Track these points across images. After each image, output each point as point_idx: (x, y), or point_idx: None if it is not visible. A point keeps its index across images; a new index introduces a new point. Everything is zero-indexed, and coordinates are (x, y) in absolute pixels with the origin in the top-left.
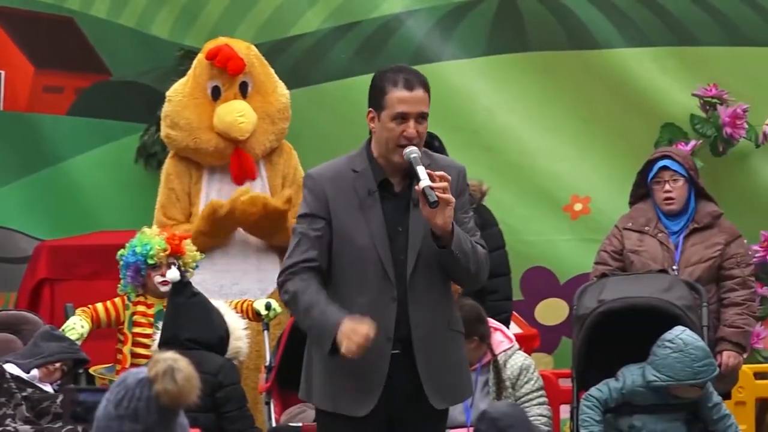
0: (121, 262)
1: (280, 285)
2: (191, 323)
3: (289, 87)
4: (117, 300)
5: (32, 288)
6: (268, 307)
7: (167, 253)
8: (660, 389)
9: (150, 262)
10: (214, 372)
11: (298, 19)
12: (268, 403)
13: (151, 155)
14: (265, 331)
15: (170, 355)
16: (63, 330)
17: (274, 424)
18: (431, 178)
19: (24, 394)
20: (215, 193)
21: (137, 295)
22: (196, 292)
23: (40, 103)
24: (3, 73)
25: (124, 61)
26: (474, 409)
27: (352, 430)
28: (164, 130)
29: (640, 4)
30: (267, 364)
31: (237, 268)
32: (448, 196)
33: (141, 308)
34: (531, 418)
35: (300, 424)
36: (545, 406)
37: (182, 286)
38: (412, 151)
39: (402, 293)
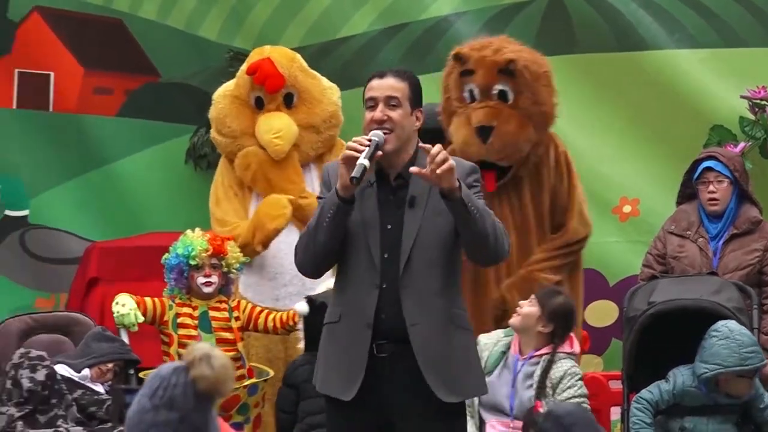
0: (166, 265)
1: (295, 255)
2: None
3: (339, 88)
4: (164, 299)
5: (83, 289)
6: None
7: (209, 253)
8: (709, 383)
9: (192, 263)
10: None
11: (346, 21)
12: None
13: (201, 157)
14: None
15: (205, 345)
16: (119, 313)
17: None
18: (431, 158)
19: (75, 395)
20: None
21: (186, 298)
22: None
23: (89, 105)
24: (52, 74)
25: (173, 62)
26: (516, 399)
27: (341, 414)
28: (212, 132)
29: (687, 6)
30: None
31: (287, 271)
32: (447, 164)
33: (186, 310)
34: None
35: None
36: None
37: (319, 308)
38: (375, 134)
39: (389, 288)
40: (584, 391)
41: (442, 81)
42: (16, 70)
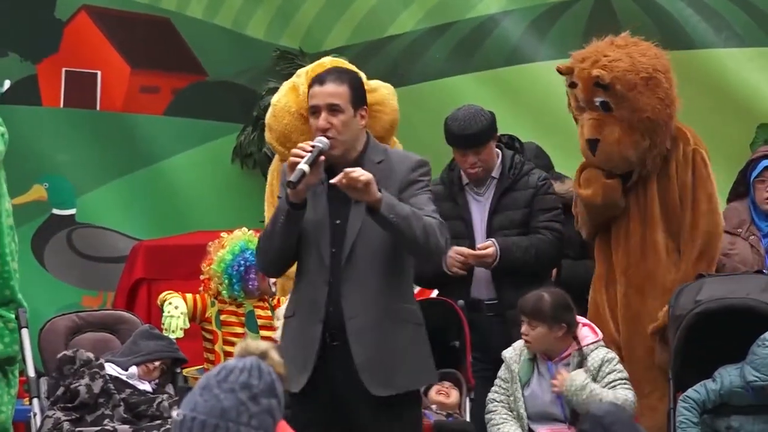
0: (221, 268)
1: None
2: None
3: None
4: (205, 295)
5: (129, 288)
6: None
7: None
8: (759, 389)
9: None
10: None
11: (393, 20)
12: None
13: (248, 155)
14: None
15: (255, 341)
16: (169, 314)
17: None
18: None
19: (123, 395)
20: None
21: (242, 297)
22: None
23: (136, 104)
24: (99, 73)
25: (220, 61)
26: (566, 401)
27: (300, 405)
28: (268, 138)
29: (735, 4)
30: None
31: None
32: (359, 177)
33: (231, 308)
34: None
35: None
36: (631, 392)
37: None
38: (319, 140)
39: (336, 283)
40: (625, 374)
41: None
42: (64, 69)
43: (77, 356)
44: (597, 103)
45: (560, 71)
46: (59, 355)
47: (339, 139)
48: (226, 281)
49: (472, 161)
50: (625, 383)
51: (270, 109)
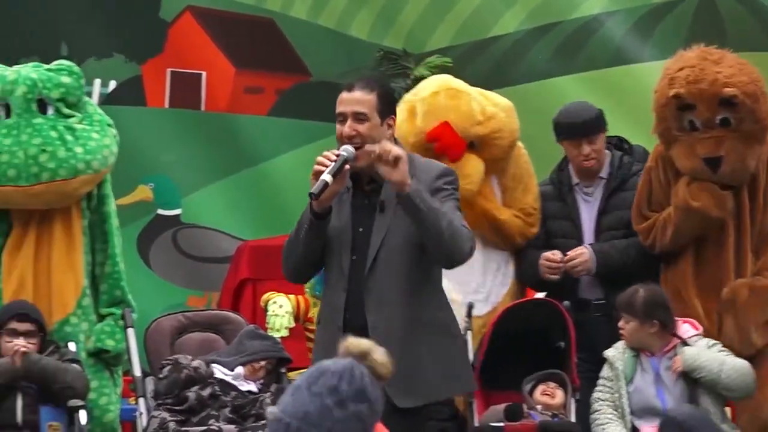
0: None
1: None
2: None
3: (488, 88)
4: (308, 296)
5: (234, 288)
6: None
7: None
8: None
9: None
10: None
11: (496, 21)
12: (470, 403)
13: None
14: (469, 332)
15: (358, 339)
16: (273, 313)
17: (476, 424)
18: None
19: (229, 397)
20: None
21: None
22: None
23: (240, 104)
24: (204, 74)
25: (324, 62)
26: (667, 395)
27: None
28: None
29: None
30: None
31: (474, 279)
32: (396, 151)
33: None
34: (735, 365)
35: (502, 424)
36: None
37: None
38: (345, 149)
39: (355, 291)
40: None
41: (656, 107)
42: (169, 70)
43: (185, 363)
44: (717, 121)
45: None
46: (166, 362)
47: (365, 147)
48: (312, 281)
49: (586, 151)
50: (727, 353)
51: None
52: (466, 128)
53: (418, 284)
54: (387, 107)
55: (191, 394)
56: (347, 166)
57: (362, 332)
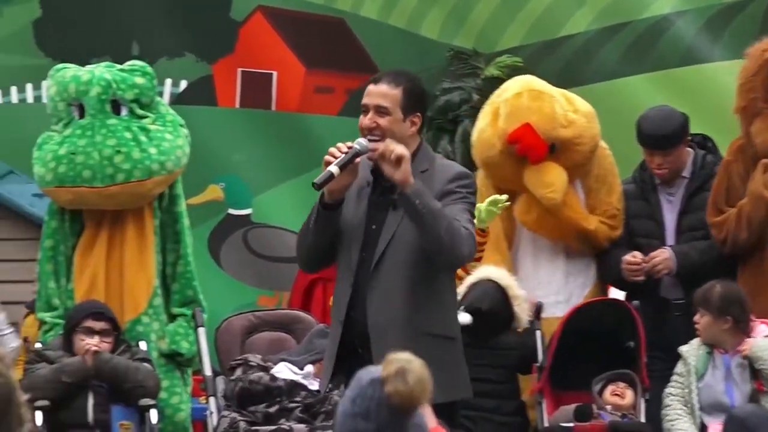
0: None
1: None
2: None
3: (558, 87)
4: None
5: (305, 287)
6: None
7: None
8: None
9: None
10: None
11: (567, 20)
12: (540, 403)
13: None
14: (537, 331)
15: (405, 356)
16: None
17: (546, 424)
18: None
19: (299, 397)
20: None
21: None
22: None
23: (311, 104)
24: (275, 73)
25: (394, 61)
26: (736, 391)
27: None
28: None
29: None
30: (539, 363)
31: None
32: (394, 148)
33: None
34: None
35: (572, 425)
36: None
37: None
38: (358, 142)
39: (361, 287)
40: None
41: (742, 80)
42: (239, 70)
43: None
44: None
45: None
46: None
47: (385, 141)
48: None
49: (658, 162)
50: None
51: (475, 132)
52: (548, 130)
53: (422, 285)
54: (413, 104)
55: (258, 414)
56: (357, 159)
57: (363, 329)
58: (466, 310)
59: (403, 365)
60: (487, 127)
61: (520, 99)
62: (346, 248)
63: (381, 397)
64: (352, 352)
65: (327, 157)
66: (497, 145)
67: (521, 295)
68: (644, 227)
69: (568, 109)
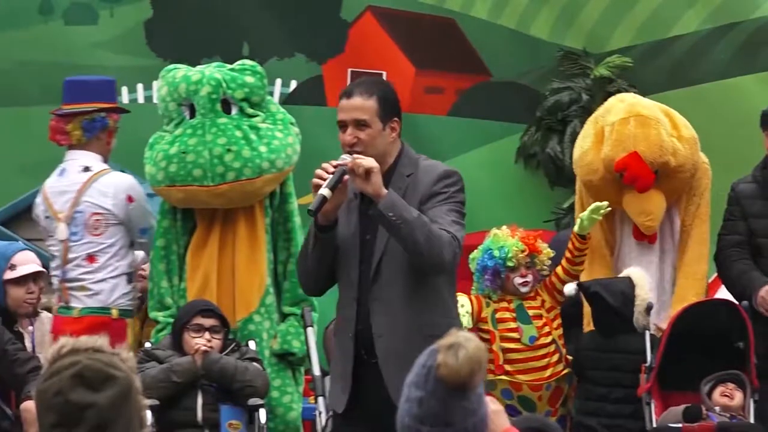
0: (476, 266)
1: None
2: None
3: (668, 88)
4: (479, 295)
5: None
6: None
7: (525, 253)
8: None
9: (509, 264)
10: None
11: (677, 20)
12: (648, 404)
13: (531, 156)
14: (647, 332)
15: (465, 334)
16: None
17: (654, 425)
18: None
19: None
20: None
21: (500, 295)
22: None
23: (420, 104)
24: (385, 73)
25: (504, 61)
26: None
27: (342, 425)
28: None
29: None
30: (647, 364)
31: None
32: (361, 162)
33: (503, 304)
34: None
35: (680, 425)
36: None
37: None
38: (343, 158)
39: (364, 301)
40: None
41: None
42: (349, 70)
43: None
44: None
45: None
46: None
47: (367, 154)
48: (475, 278)
49: None
50: None
51: (577, 149)
52: (656, 158)
53: (420, 290)
54: (389, 110)
55: None
56: (346, 177)
57: (372, 340)
58: (586, 289)
59: (459, 341)
60: (590, 150)
61: (627, 126)
62: (344, 264)
63: (431, 366)
64: (356, 364)
65: (315, 180)
66: (600, 171)
67: (644, 297)
68: (766, 228)
69: (673, 135)
